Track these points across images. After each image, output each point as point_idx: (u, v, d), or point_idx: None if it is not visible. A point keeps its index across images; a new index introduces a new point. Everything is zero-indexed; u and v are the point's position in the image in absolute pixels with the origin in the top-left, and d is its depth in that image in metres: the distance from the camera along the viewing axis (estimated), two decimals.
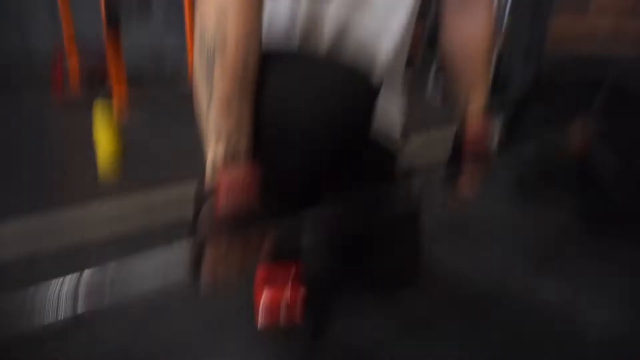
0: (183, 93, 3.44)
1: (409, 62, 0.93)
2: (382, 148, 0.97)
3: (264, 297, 0.83)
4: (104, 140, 1.75)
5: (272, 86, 0.62)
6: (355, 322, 0.87)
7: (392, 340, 0.82)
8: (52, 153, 1.93)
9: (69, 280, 0.52)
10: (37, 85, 3.39)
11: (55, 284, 0.51)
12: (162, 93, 3.31)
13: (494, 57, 3.13)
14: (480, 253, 1.13)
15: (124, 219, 1.27)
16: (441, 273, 1.04)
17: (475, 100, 0.89)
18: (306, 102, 0.62)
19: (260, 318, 0.83)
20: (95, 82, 3.23)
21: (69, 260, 1.05)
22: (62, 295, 0.52)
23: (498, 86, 3.07)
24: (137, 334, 0.82)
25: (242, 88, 0.57)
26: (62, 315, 0.52)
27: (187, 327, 0.84)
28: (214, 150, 0.57)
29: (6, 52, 4.86)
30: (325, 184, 0.73)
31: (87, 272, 0.54)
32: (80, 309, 0.53)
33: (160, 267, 0.58)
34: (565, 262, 1.11)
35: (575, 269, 1.07)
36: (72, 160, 1.81)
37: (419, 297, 0.94)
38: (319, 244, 0.91)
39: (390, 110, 0.97)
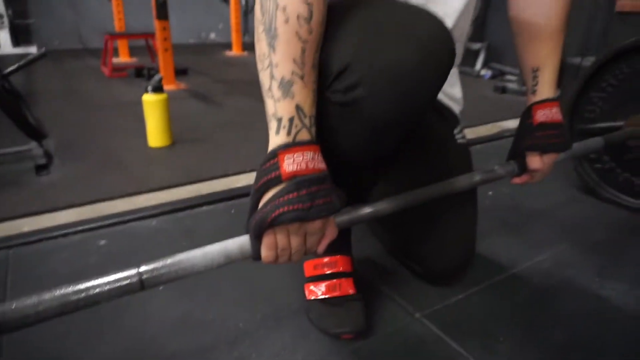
0: (228, 69, 3.58)
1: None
2: (447, 112, 0.95)
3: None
4: (154, 122, 1.80)
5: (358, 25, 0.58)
6: (406, 314, 0.84)
7: (451, 333, 0.79)
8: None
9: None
10: (89, 61, 3.57)
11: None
12: (207, 67, 3.38)
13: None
14: (537, 246, 1.08)
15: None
16: (497, 265, 1.00)
17: (546, 78, 0.85)
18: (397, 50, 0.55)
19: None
20: (144, 75, 3.33)
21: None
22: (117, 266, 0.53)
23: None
24: (190, 309, 0.83)
25: (305, 71, 0.53)
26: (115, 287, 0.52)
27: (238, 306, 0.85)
28: (274, 139, 0.54)
29: (63, 34, 5.06)
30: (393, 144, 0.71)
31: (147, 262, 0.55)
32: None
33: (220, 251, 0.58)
34: (637, 259, 1.05)
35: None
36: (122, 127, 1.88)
37: (468, 289, 0.91)
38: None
39: (449, 84, 0.96)
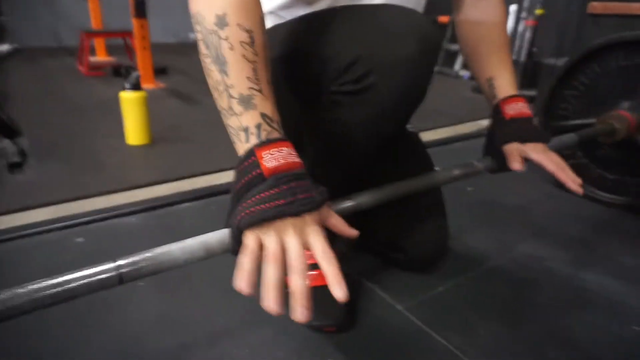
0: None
1: None
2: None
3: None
4: (132, 120, 1.78)
5: (344, 34, 0.67)
6: (388, 307, 0.85)
7: (432, 324, 0.80)
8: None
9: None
10: (65, 60, 3.50)
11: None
12: (186, 67, 3.35)
13: (524, 53, 3.11)
14: (515, 240, 1.10)
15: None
16: (477, 258, 1.02)
17: (504, 82, 0.89)
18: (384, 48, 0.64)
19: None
20: (122, 74, 3.27)
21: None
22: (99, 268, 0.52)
23: (528, 81, 3.04)
24: (171, 306, 0.82)
25: (260, 81, 0.55)
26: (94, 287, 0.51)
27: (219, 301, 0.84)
28: (244, 146, 0.53)
29: (38, 32, 4.97)
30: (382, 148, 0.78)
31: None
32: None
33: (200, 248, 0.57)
34: (612, 252, 1.08)
35: (623, 259, 1.04)
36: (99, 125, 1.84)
37: (449, 280, 0.93)
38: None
39: None
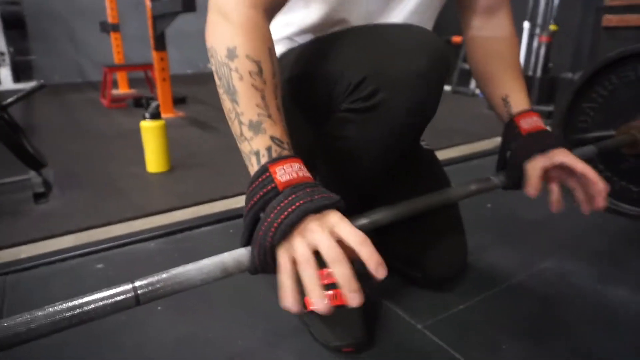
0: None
1: None
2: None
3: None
4: (152, 148, 1.82)
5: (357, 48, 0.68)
6: (407, 325, 0.83)
7: (452, 343, 0.78)
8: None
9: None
10: (89, 94, 3.62)
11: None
12: (204, 96, 3.43)
13: (540, 68, 3.10)
14: (537, 255, 1.07)
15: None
16: (499, 275, 0.99)
17: (517, 98, 0.88)
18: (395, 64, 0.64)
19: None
20: (142, 105, 3.37)
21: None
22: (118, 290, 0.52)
23: (545, 97, 3.01)
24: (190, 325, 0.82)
25: (269, 107, 0.57)
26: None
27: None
28: (254, 169, 0.55)
29: (63, 68, 5.18)
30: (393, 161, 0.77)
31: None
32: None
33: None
34: (639, 266, 1.04)
35: None
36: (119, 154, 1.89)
37: (470, 299, 0.90)
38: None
39: None
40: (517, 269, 1.04)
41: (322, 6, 0.78)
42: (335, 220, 0.51)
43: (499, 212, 1.39)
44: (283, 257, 0.50)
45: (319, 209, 0.51)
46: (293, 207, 0.50)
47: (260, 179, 0.53)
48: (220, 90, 0.59)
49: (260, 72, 0.57)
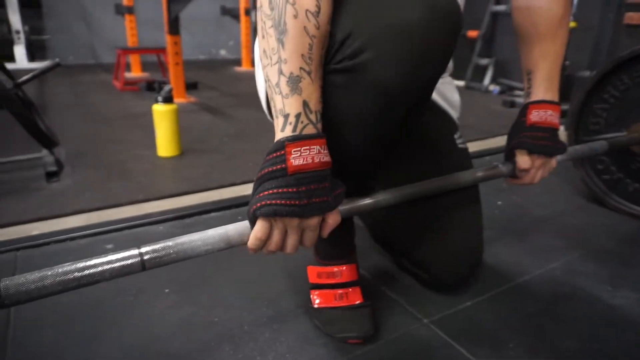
0: (237, 84, 3.63)
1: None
2: (446, 116, 0.96)
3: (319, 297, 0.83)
4: (163, 132, 1.82)
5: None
6: (414, 320, 0.83)
7: (458, 338, 0.78)
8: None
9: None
10: (102, 76, 3.64)
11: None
12: (216, 82, 3.43)
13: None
14: (547, 254, 1.07)
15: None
16: (508, 273, 0.99)
17: (542, 79, 0.85)
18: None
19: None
20: (155, 89, 3.38)
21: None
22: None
23: (561, 94, 2.96)
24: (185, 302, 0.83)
25: (312, 66, 0.54)
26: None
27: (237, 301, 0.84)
28: (279, 134, 0.55)
29: (77, 50, 5.20)
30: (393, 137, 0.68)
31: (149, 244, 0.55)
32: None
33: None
34: (638, 268, 1.03)
35: None
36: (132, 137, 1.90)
37: (478, 296, 0.90)
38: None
39: (447, 89, 0.96)
40: (525, 268, 1.04)
41: None
42: (313, 225, 0.58)
43: (509, 209, 1.38)
44: (262, 226, 0.57)
45: (306, 217, 0.56)
46: (288, 202, 0.53)
47: (275, 154, 0.54)
48: (268, 22, 0.54)
49: (317, 12, 0.53)
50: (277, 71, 0.54)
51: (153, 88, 3.40)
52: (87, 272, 0.50)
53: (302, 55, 0.53)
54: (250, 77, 4.44)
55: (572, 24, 2.97)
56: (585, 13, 3.07)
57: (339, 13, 0.57)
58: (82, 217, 1.27)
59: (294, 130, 0.54)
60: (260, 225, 0.57)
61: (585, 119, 1.43)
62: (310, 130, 0.54)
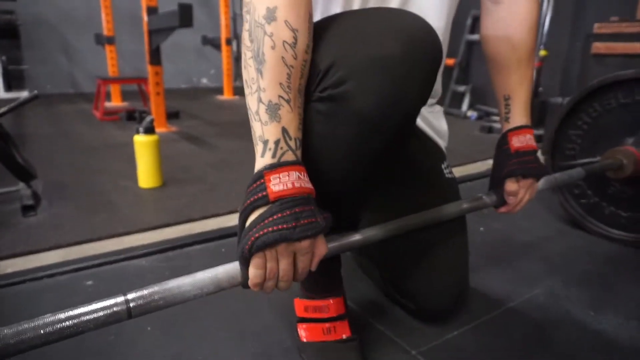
0: (219, 112, 3.62)
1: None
2: (434, 144, 0.97)
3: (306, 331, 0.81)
4: (145, 163, 1.80)
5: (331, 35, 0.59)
6: (401, 351, 0.82)
7: None
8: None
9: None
10: (82, 106, 3.60)
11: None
12: (197, 111, 3.43)
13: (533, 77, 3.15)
14: (530, 280, 1.08)
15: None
16: (492, 300, 0.99)
17: (518, 105, 0.88)
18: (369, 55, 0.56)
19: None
20: (135, 118, 3.37)
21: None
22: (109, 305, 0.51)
23: (535, 121, 3.06)
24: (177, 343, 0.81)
25: (291, 94, 0.55)
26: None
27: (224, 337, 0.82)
28: (259, 161, 0.55)
29: (56, 79, 5.18)
30: (376, 168, 0.68)
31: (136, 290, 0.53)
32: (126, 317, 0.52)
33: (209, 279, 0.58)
34: (631, 292, 1.04)
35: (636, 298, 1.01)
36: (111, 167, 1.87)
37: (465, 325, 0.90)
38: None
39: (435, 118, 0.98)
40: (510, 295, 1.04)
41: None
42: (305, 248, 0.56)
43: (492, 235, 1.39)
44: (253, 267, 0.56)
45: (296, 239, 0.54)
46: (275, 227, 0.53)
47: (255, 184, 0.55)
48: (248, 54, 0.56)
49: (294, 43, 0.55)
50: (256, 99, 0.55)
51: (134, 117, 3.38)
52: (69, 323, 0.48)
53: (281, 84, 0.55)
54: (232, 106, 4.47)
55: (543, 52, 3.09)
56: (555, 42, 3.20)
57: (323, 44, 0.59)
58: (60, 252, 1.24)
59: (273, 155, 0.54)
60: (253, 264, 0.56)
61: (561, 145, 1.47)
62: (289, 156, 0.55)
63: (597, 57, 2.46)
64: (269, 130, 0.55)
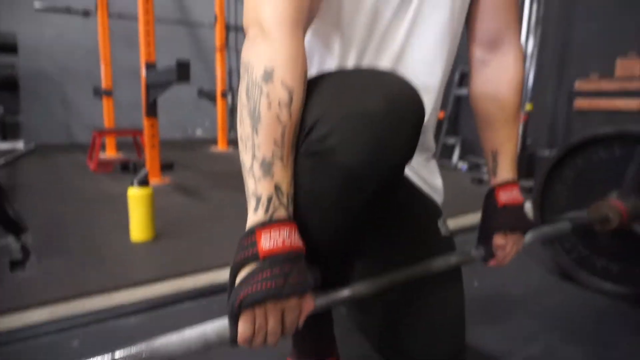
0: (213, 164, 3.66)
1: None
2: (429, 201, 0.98)
3: None
4: (138, 216, 1.80)
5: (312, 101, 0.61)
6: None
7: None
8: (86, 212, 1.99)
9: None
10: (77, 156, 3.62)
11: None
12: (192, 162, 3.46)
13: (519, 146, 3.25)
14: (527, 336, 1.06)
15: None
16: (490, 358, 0.98)
17: (505, 161, 0.90)
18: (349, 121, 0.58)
19: None
20: (129, 170, 3.39)
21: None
22: None
23: (524, 171, 3.12)
24: None
25: (284, 151, 0.57)
26: None
27: None
28: (252, 218, 0.56)
29: (52, 129, 5.24)
30: (362, 227, 0.70)
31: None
32: None
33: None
34: (624, 347, 1.03)
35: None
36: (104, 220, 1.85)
37: None
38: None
39: (430, 173, 0.99)
40: (507, 353, 1.03)
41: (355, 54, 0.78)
42: (293, 306, 0.57)
43: (487, 291, 1.39)
44: (242, 324, 0.56)
45: (285, 297, 0.55)
46: (263, 285, 0.53)
47: (246, 241, 0.56)
48: (244, 111, 0.59)
49: (290, 102, 0.58)
50: (251, 156, 0.57)
51: (128, 168, 3.40)
52: None
53: (275, 141, 0.57)
54: (226, 158, 4.52)
55: (529, 107, 3.20)
56: (541, 95, 3.32)
57: (311, 100, 0.61)
58: (46, 310, 1.21)
59: (266, 211, 0.56)
60: (242, 320, 0.56)
61: (549, 198, 1.50)
62: (280, 213, 0.56)
63: (580, 112, 2.56)
64: (262, 186, 0.56)
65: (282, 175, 0.57)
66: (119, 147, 4.44)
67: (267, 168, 0.56)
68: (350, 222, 0.66)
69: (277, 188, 0.57)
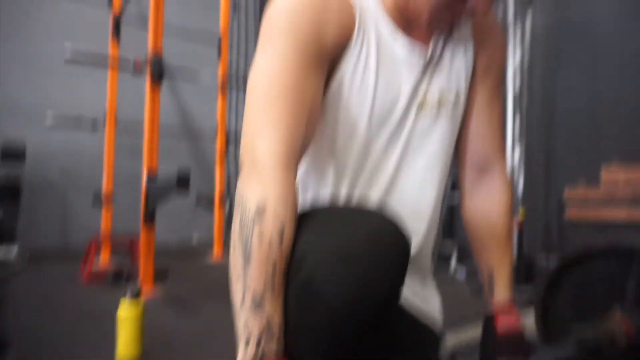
0: (208, 275, 3.56)
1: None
2: (427, 329, 0.95)
3: None
4: (125, 335, 1.73)
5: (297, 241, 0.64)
6: None
7: None
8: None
9: None
10: (70, 264, 3.55)
11: None
12: (187, 270, 3.39)
13: (514, 243, 3.24)
14: None
15: None
16: None
17: (501, 281, 0.90)
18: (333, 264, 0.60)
19: None
20: (122, 279, 3.34)
21: None
22: None
23: (522, 277, 3.07)
24: None
25: (275, 285, 0.59)
26: None
27: None
28: (242, 353, 0.57)
29: (47, 234, 5.21)
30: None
31: None
32: None
33: None
34: None
35: None
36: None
37: None
38: None
39: (428, 295, 0.98)
40: None
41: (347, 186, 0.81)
42: None
43: None
44: None
45: None
46: None
47: None
48: (238, 247, 0.61)
49: (280, 239, 0.60)
50: (241, 293, 0.59)
51: (120, 279, 3.34)
52: None
53: (265, 279, 0.59)
54: (221, 268, 4.43)
55: (522, 214, 3.24)
56: (531, 203, 3.39)
57: (300, 238, 0.64)
58: None
59: (257, 346, 0.57)
60: None
61: (550, 312, 1.46)
62: (271, 349, 0.57)
63: (572, 221, 2.60)
64: (252, 323, 0.57)
65: (274, 306, 0.58)
66: (114, 250, 4.38)
67: (258, 304, 0.57)
68: (340, 354, 0.66)
69: (268, 323, 0.57)
